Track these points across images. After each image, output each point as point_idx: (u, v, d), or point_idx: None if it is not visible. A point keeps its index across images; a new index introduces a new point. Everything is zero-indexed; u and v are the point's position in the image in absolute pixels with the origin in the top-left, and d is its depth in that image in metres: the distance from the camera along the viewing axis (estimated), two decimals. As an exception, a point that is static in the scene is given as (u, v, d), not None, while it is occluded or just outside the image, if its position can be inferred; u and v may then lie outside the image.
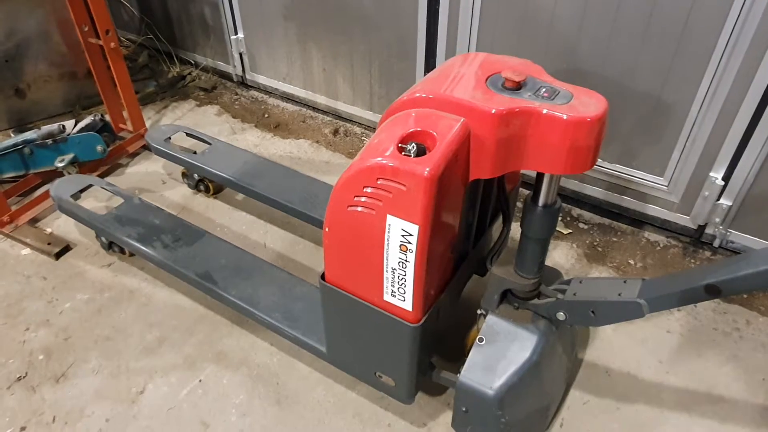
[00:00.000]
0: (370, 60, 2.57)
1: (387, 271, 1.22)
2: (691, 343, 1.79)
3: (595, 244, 2.16)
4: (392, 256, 1.18)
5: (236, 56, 3.02)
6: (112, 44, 2.35)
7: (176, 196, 2.40)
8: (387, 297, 1.28)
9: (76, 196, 2.10)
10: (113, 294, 1.96)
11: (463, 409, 1.42)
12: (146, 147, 2.64)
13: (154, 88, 3.08)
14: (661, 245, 2.15)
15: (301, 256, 2.12)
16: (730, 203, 1.97)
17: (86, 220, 2.01)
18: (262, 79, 3.06)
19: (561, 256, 2.10)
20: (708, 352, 1.77)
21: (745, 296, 1.93)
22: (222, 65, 3.18)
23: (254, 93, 3.14)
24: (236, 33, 2.94)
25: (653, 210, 2.17)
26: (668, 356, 1.76)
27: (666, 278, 1.29)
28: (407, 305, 1.26)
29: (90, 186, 2.16)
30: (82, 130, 2.34)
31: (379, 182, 1.10)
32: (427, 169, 1.05)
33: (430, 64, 2.37)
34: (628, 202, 2.21)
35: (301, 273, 2.02)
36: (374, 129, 2.80)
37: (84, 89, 2.91)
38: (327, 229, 1.24)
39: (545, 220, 1.28)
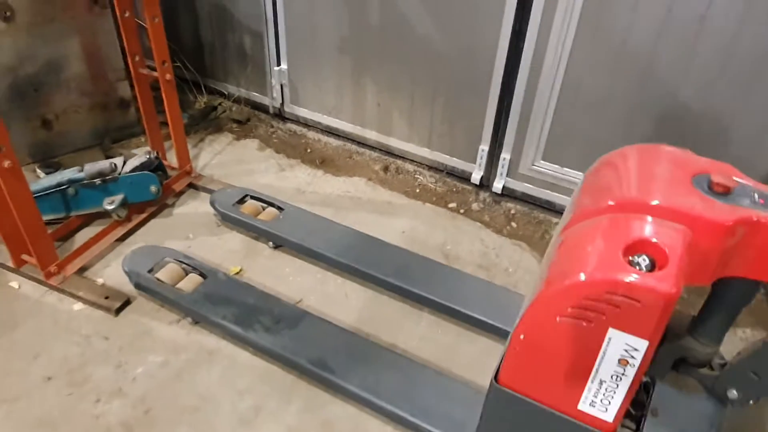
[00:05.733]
0: (434, 95, 2.46)
1: (593, 382, 1.13)
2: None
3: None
4: (605, 368, 1.10)
5: (277, 87, 2.86)
6: (168, 76, 2.17)
7: (235, 242, 2.20)
8: (583, 407, 1.18)
9: (153, 270, 1.90)
10: (190, 355, 1.75)
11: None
12: (192, 185, 2.45)
13: (187, 120, 2.88)
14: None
15: (388, 310, 1.95)
16: None
17: (171, 299, 1.83)
18: (302, 112, 2.90)
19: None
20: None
21: None
22: (257, 96, 3.01)
23: (291, 126, 2.98)
24: (279, 64, 2.79)
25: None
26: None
27: None
28: (608, 417, 1.17)
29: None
30: (135, 168, 2.12)
31: (606, 296, 1.01)
32: (669, 286, 0.97)
33: (504, 103, 2.27)
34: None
35: (393, 330, 1.87)
36: (428, 167, 2.67)
37: (114, 121, 2.69)
38: (522, 336, 1.14)
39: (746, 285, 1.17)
